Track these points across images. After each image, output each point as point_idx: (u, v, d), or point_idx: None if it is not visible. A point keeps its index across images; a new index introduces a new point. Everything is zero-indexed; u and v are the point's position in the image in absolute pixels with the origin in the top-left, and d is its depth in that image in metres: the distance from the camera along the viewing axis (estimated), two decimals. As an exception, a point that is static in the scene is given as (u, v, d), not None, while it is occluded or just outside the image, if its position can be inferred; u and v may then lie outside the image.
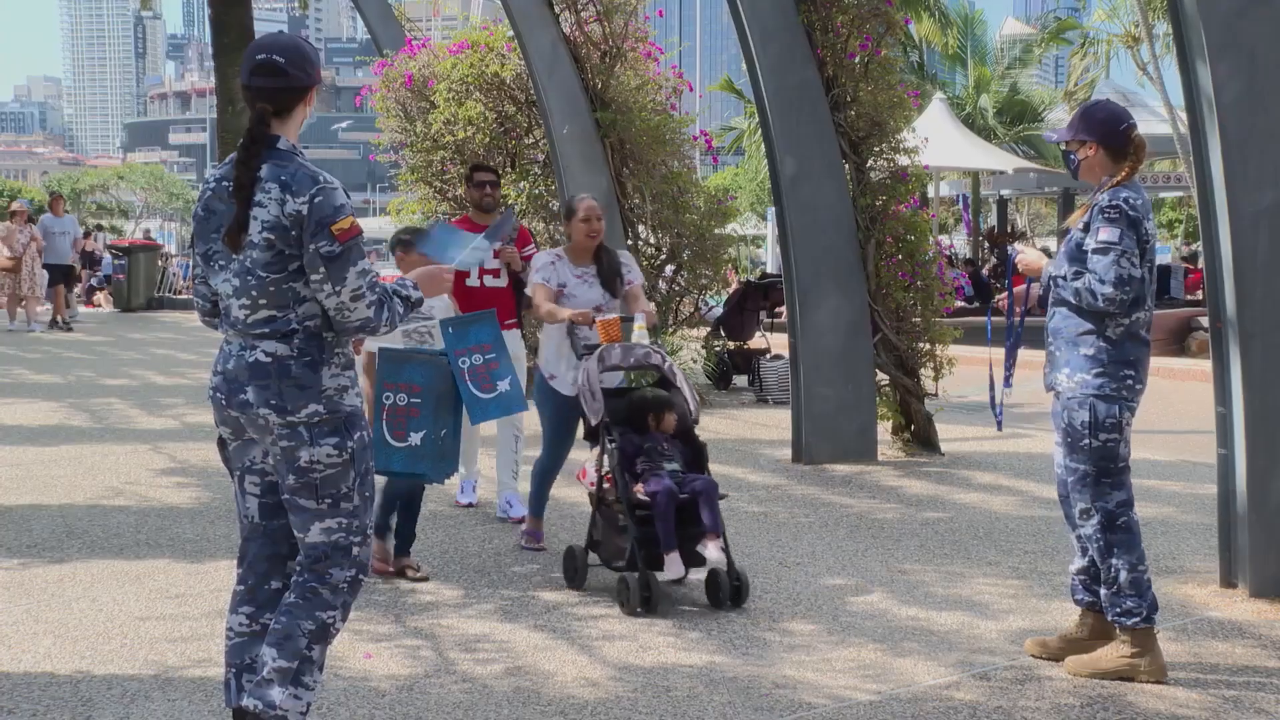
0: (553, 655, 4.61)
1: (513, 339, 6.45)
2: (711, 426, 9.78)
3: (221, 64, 25.17)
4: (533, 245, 6.85)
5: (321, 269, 3.30)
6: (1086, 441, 4.40)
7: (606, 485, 5.35)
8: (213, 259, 3.45)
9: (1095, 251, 4.32)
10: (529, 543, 6.09)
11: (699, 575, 5.22)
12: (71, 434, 9.30)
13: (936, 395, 8.97)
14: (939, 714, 4.08)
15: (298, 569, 3.47)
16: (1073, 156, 4.54)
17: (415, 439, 4.02)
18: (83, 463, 8.17)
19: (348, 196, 3.40)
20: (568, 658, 4.58)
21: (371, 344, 5.34)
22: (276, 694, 3.34)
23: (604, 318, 5.62)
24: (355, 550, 3.46)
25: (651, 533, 5.12)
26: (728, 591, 5.16)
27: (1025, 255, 4.77)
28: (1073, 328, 4.45)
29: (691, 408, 5.55)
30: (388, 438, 4.20)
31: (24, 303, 17.69)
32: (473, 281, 6.52)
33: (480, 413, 4.64)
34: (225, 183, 3.41)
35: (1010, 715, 4.07)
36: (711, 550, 5.12)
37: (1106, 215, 4.33)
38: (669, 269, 11.81)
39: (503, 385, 4.66)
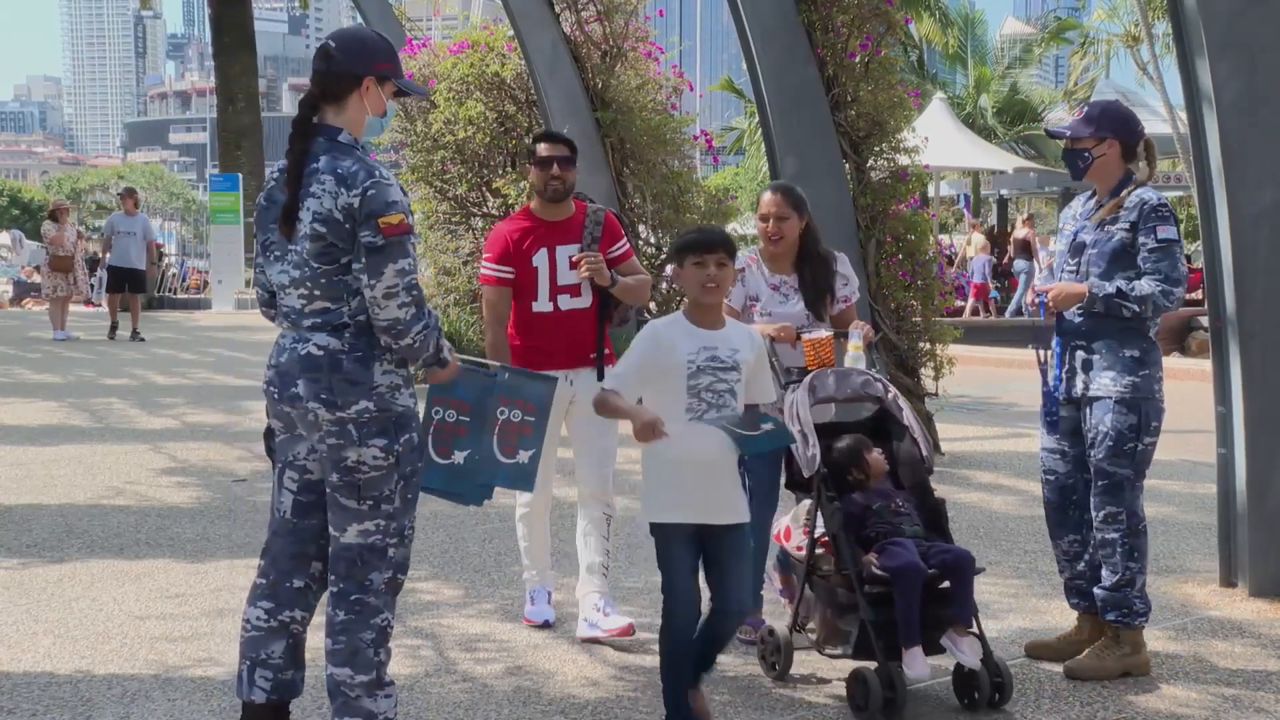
0: (553, 655, 4.60)
1: (591, 379, 4.76)
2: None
3: (221, 63, 25.12)
4: (624, 242, 4.93)
5: (363, 259, 3.28)
6: (1132, 445, 4.37)
7: (822, 551, 4.26)
8: (270, 249, 3.45)
9: (1157, 250, 4.34)
10: (747, 635, 4.59)
11: (938, 660, 4.16)
12: (72, 434, 9.31)
13: (937, 395, 8.96)
14: (938, 713, 4.08)
15: (333, 578, 3.43)
16: (1088, 154, 4.49)
17: (459, 457, 3.95)
18: (83, 462, 8.17)
19: (405, 195, 3.38)
20: (568, 657, 4.58)
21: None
22: (368, 704, 3.40)
23: (812, 335, 4.54)
24: (391, 552, 3.43)
25: (890, 616, 4.00)
26: (986, 692, 4.07)
27: (1059, 290, 4.44)
28: (1114, 330, 4.40)
29: (924, 452, 4.37)
30: (431, 454, 4.06)
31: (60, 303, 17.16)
32: (542, 305, 4.76)
33: (489, 474, 4.17)
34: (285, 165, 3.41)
35: (1009, 715, 4.07)
36: (967, 653, 4.03)
37: (1161, 214, 4.38)
38: (669, 268, 11.80)
39: (523, 455, 4.20)
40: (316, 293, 3.35)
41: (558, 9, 10.75)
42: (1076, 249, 4.54)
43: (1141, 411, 4.37)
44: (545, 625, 4.85)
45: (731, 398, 3.80)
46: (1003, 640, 4.79)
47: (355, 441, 3.33)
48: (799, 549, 4.35)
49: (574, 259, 4.73)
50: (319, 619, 3.52)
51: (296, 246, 3.36)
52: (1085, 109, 4.67)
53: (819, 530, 4.23)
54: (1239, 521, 5.38)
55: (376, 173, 3.32)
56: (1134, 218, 4.38)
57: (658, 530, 3.77)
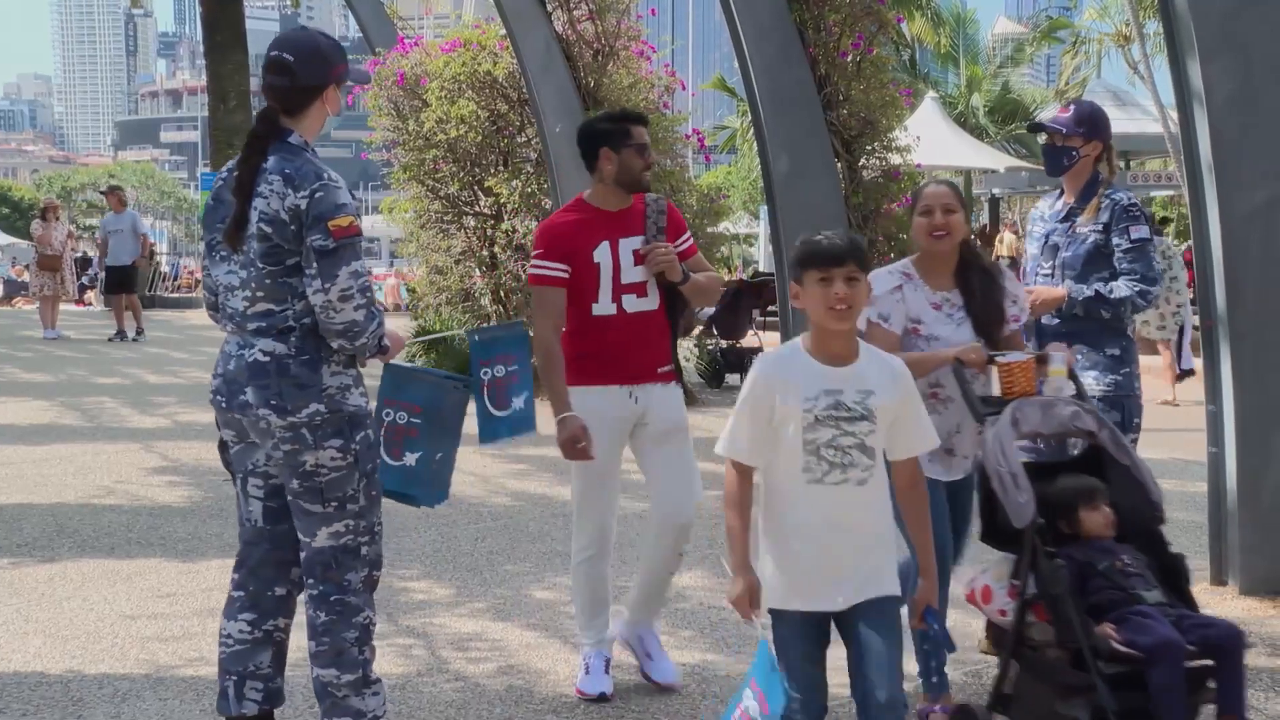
0: (545, 654, 4.60)
1: (669, 398, 4.20)
2: (704, 425, 9.78)
3: (213, 62, 25.08)
4: (689, 235, 4.32)
5: (314, 263, 3.25)
6: None
7: (1035, 619, 3.54)
8: (215, 249, 3.43)
9: (1131, 250, 4.39)
10: None
11: None
12: (63, 433, 9.28)
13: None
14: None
15: (310, 581, 3.42)
16: (1075, 153, 4.54)
17: (410, 459, 3.89)
18: (74, 461, 8.15)
19: (353, 198, 3.36)
20: (560, 656, 4.58)
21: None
22: (357, 703, 3.40)
23: (1010, 359, 3.77)
24: (365, 550, 3.43)
25: (1136, 703, 3.23)
26: None
27: (1037, 294, 4.40)
28: (1093, 330, 4.42)
29: (1153, 496, 3.64)
30: (384, 455, 4.00)
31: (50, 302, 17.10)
32: (603, 308, 4.12)
33: (490, 431, 4.18)
34: (235, 173, 3.38)
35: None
36: None
37: (1132, 213, 4.44)
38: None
39: (518, 402, 4.19)
40: (260, 294, 3.32)
41: (550, 8, 10.75)
42: (1050, 251, 4.56)
43: (1125, 409, 4.40)
44: (602, 699, 4.11)
45: (862, 454, 3.01)
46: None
47: (311, 445, 3.30)
48: (1002, 613, 3.63)
49: (640, 252, 4.11)
50: (299, 618, 3.51)
51: (244, 246, 3.33)
52: (1074, 107, 4.67)
53: (1030, 592, 3.49)
54: (1230, 520, 5.40)
55: (325, 175, 3.29)
56: (1106, 218, 4.44)
57: (771, 612, 3.08)
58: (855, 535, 3.02)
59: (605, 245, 4.11)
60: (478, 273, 12.32)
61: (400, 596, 5.29)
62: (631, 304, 4.12)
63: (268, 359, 3.31)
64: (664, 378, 4.18)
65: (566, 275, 4.11)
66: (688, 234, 4.27)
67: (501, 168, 11.94)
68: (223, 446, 3.54)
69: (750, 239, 34.14)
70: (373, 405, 3.57)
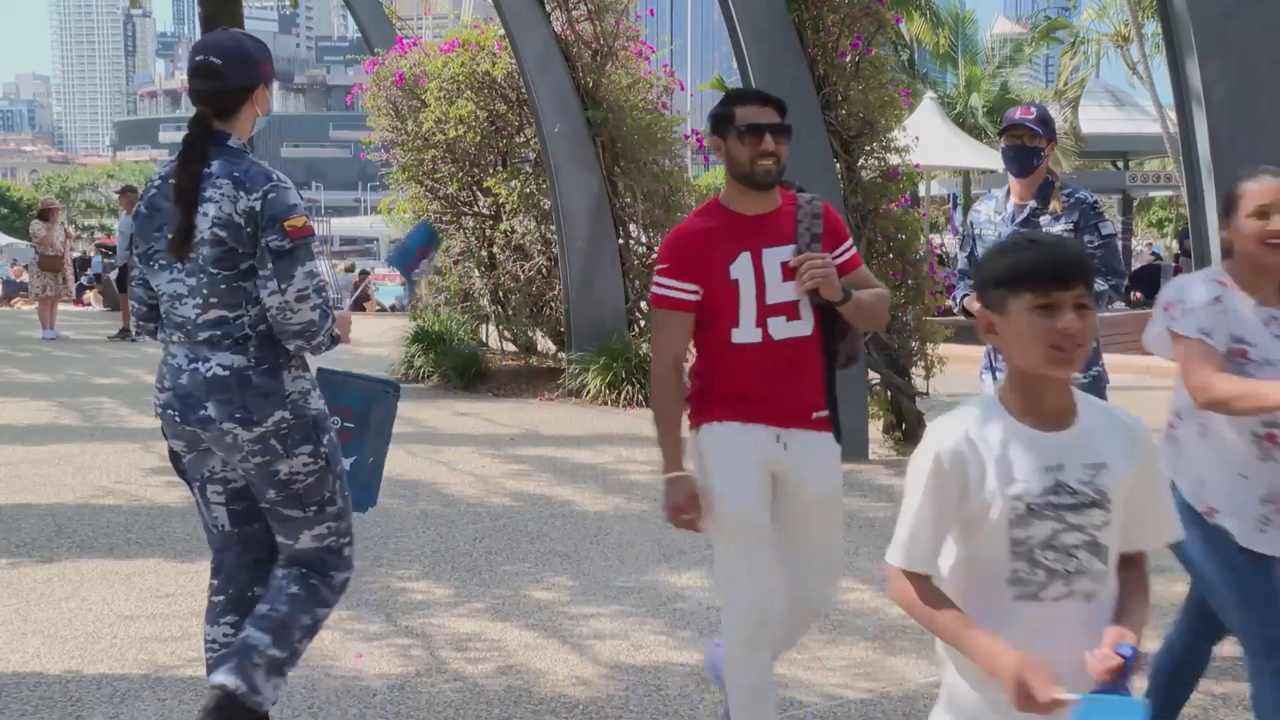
0: (544, 654, 4.60)
1: (823, 454, 3.40)
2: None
3: (212, 62, 25.00)
4: (851, 243, 3.52)
5: (270, 264, 3.22)
6: None
7: None
8: (153, 258, 3.36)
9: (1101, 246, 4.60)
10: None
11: None
12: (61, 433, 9.28)
13: (927, 394, 8.98)
14: (930, 712, 4.08)
15: (296, 564, 3.41)
16: (1042, 152, 4.67)
17: (345, 464, 3.75)
18: (72, 462, 8.15)
19: (300, 198, 3.33)
20: (559, 656, 4.58)
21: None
22: (262, 680, 3.31)
23: None
24: (347, 552, 3.44)
25: None
26: None
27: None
28: None
29: None
30: None
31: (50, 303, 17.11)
32: (745, 334, 3.31)
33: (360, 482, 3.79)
34: (171, 180, 3.32)
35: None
36: None
37: (1098, 210, 4.64)
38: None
39: (344, 463, 3.62)
40: (214, 300, 3.26)
41: (548, 8, 10.75)
42: None
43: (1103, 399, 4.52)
44: None
45: (1094, 556, 2.15)
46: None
47: (282, 454, 3.28)
48: None
49: (790, 265, 3.31)
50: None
51: (192, 254, 3.27)
52: (1034, 108, 4.78)
53: None
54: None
55: (274, 176, 3.27)
56: (1076, 217, 4.62)
57: None
58: (1077, 663, 2.08)
59: (745, 258, 3.33)
60: (476, 273, 12.33)
61: (399, 596, 5.29)
62: (779, 329, 3.31)
63: (227, 373, 3.26)
64: (818, 425, 3.37)
65: (697, 297, 3.33)
66: (849, 242, 3.49)
67: (500, 168, 11.94)
68: (174, 456, 3.49)
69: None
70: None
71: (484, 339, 12.66)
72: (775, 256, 3.36)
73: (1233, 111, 5.23)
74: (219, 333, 3.28)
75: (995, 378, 4.67)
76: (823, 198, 3.57)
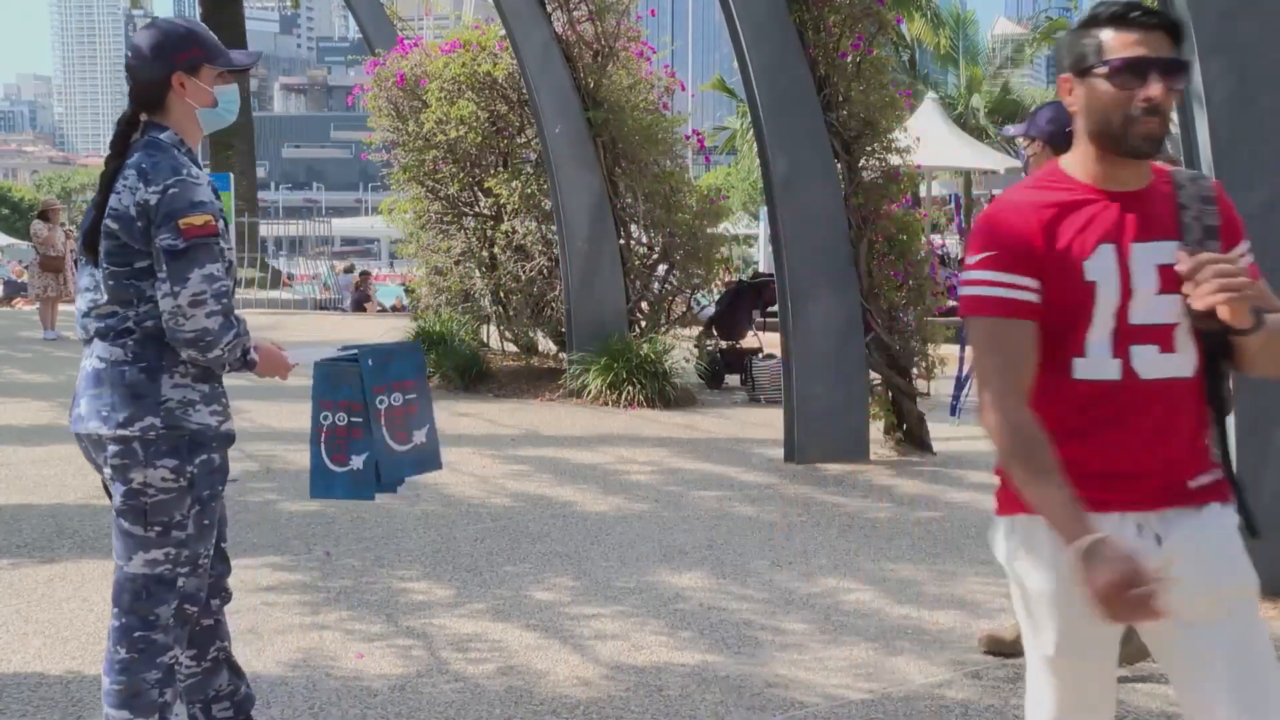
0: (545, 655, 4.60)
1: (1215, 535, 2.30)
2: (703, 426, 9.80)
3: (213, 63, 24.96)
4: (1246, 247, 2.43)
5: (164, 265, 2.98)
6: None
7: None
8: (84, 261, 3.21)
9: None
10: None
11: None
12: (62, 433, 9.27)
13: (928, 395, 8.99)
14: (932, 713, 4.09)
15: (115, 610, 3.12)
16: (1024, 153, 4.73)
17: (358, 462, 3.57)
18: (73, 462, 8.14)
19: (216, 198, 3.08)
20: (560, 657, 4.58)
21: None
22: None
23: None
24: (181, 583, 3.11)
25: None
26: None
27: None
28: None
29: None
30: (328, 463, 3.63)
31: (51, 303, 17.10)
32: (1095, 367, 2.24)
33: (393, 470, 3.58)
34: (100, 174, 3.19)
35: (1002, 714, 4.07)
36: None
37: None
38: (661, 268, 11.82)
39: (419, 436, 3.66)
40: (105, 296, 3.07)
41: (549, 8, 10.76)
42: None
43: None
44: None
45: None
46: (994, 639, 4.79)
47: (141, 461, 3.01)
48: None
49: (1181, 270, 2.21)
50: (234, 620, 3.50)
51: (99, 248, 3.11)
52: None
53: None
54: (1230, 520, 5.39)
55: (184, 171, 3.03)
56: None
57: None
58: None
59: (1108, 251, 2.27)
60: (477, 274, 12.34)
61: (400, 597, 5.29)
62: (1147, 362, 2.26)
63: (103, 365, 3.05)
64: (1199, 497, 2.30)
65: (1038, 297, 2.27)
66: (1247, 243, 2.45)
67: (501, 168, 11.95)
68: (105, 481, 3.20)
69: (750, 240, 34.17)
70: (232, 425, 3.21)
71: (485, 339, 12.68)
72: (1149, 255, 2.28)
73: (1234, 111, 5.22)
74: (104, 325, 3.08)
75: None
76: (1212, 179, 2.51)
